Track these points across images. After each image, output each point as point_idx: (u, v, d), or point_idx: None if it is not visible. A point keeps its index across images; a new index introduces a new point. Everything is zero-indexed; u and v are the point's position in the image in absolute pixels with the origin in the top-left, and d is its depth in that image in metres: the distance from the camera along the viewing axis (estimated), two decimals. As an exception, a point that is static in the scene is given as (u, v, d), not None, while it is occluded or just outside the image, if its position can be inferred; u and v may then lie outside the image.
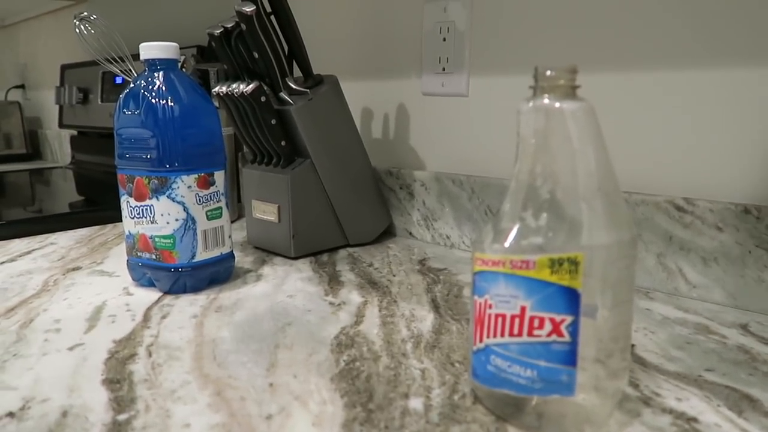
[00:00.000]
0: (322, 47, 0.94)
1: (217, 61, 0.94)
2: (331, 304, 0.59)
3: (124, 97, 0.60)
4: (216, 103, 0.98)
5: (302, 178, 0.74)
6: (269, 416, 0.38)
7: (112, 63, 1.00)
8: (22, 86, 2.09)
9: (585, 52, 0.66)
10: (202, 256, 0.61)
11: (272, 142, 0.74)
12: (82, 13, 0.95)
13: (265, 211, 0.77)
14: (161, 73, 0.60)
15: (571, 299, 0.34)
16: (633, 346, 0.49)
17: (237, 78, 0.76)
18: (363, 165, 0.81)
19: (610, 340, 0.36)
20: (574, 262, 0.33)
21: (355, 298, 0.60)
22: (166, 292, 0.61)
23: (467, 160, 0.80)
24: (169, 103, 0.58)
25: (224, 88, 0.74)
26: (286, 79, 0.74)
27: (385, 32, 0.87)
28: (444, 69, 0.80)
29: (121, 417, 0.38)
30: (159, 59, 0.60)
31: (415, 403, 0.39)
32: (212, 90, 0.92)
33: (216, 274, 0.64)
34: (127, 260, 0.64)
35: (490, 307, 0.36)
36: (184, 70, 0.99)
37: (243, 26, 0.69)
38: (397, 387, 0.42)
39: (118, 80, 1.33)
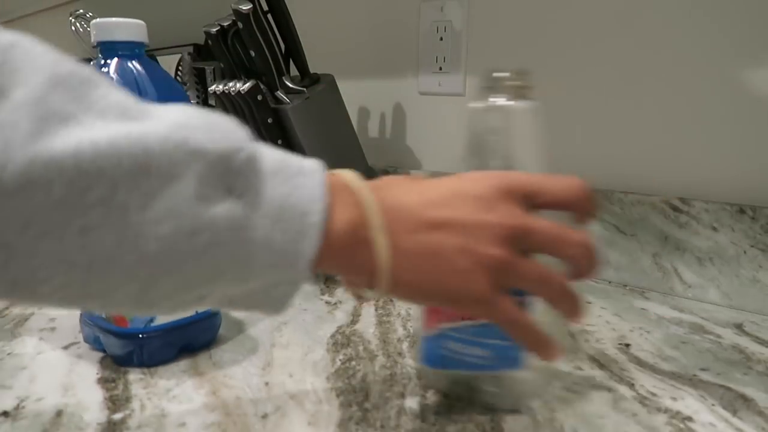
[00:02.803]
0: (319, 46, 0.94)
1: (214, 59, 0.94)
2: (327, 303, 0.59)
3: None
4: (212, 102, 0.97)
5: (299, 177, 0.74)
6: (265, 415, 0.38)
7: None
8: (18, 84, 2.08)
9: (581, 51, 0.66)
10: (164, 318, 0.45)
11: (269, 141, 0.74)
12: (78, 10, 0.94)
13: (261, 210, 0.77)
14: (121, 60, 0.44)
15: None
16: (628, 345, 0.49)
17: (234, 77, 0.76)
18: (360, 164, 0.81)
19: (551, 316, 0.38)
20: None
21: (351, 297, 0.60)
22: (120, 365, 0.45)
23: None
24: None
25: (221, 87, 0.74)
26: (283, 77, 0.74)
27: (382, 31, 0.87)
28: (441, 68, 0.80)
29: (116, 416, 0.38)
30: (119, 42, 0.44)
31: (411, 403, 0.39)
32: (209, 88, 0.92)
33: (192, 338, 0.47)
34: (81, 314, 0.49)
35: None
36: (180, 69, 0.98)
37: (240, 25, 0.69)
38: (393, 386, 0.42)
39: (114, 78, 1.32)
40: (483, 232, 0.30)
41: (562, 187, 0.33)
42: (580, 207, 0.33)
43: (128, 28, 0.45)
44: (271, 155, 0.28)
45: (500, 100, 0.38)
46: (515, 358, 0.37)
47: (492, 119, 0.38)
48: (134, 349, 0.44)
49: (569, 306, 0.33)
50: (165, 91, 0.45)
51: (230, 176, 0.25)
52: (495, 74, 0.38)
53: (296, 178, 0.28)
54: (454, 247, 0.30)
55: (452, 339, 0.38)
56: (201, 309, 0.27)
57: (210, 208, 0.24)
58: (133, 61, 0.44)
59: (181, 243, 0.24)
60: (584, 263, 0.32)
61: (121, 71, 0.43)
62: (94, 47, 0.45)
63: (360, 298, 0.33)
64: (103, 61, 0.44)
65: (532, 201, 0.32)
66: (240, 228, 0.25)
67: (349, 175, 0.31)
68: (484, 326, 0.37)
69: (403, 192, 0.32)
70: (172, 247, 0.23)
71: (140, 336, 0.44)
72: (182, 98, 0.47)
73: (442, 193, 0.32)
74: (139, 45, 0.45)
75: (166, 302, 0.25)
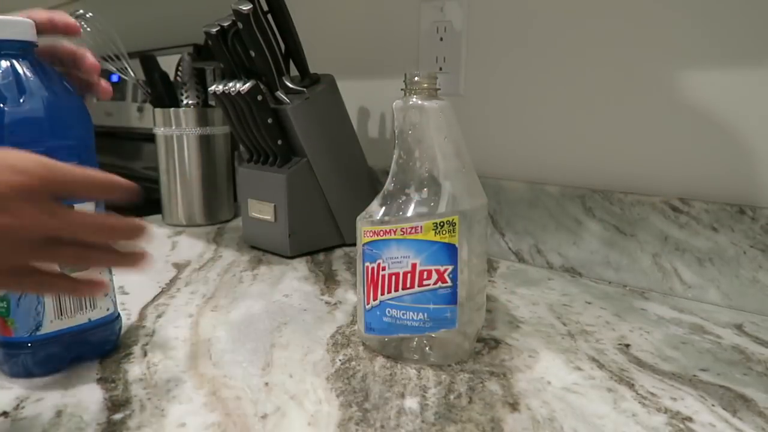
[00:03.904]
0: (319, 46, 0.94)
1: (214, 59, 0.93)
2: (327, 303, 0.59)
3: None
4: (212, 102, 0.97)
5: (299, 177, 0.74)
6: (265, 416, 0.38)
7: (108, 61, 0.99)
8: (18, 84, 2.07)
9: (581, 51, 0.66)
10: (52, 326, 0.43)
11: (269, 141, 0.74)
12: (78, 10, 0.94)
13: (261, 210, 0.77)
14: (5, 60, 0.40)
15: (451, 253, 0.43)
16: (628, 345, 0.49)
17: (234, 77, 0.76)
18: (359, 164, 0.81)
19: (475, 281, 0.45)
20: (451, 224, 0.42)
21: (351, 297, 0.60)
22: (12, 376, 0.44)
23: (464, 159, 0.80)
24: (6, 107, 0.39)
25: (221, 87, 0.74)
26: (283, 78, 0.74)
27: (381, 31, 0.87)
28: (441, 69, 0.80)
29: (116, 416, 0.38)
30: (2, 41, 0.41)
31: (411, 403, 0.39)
32: (209, 88, 0.92)
33: (83, 349, 0.45)
34: None
35: (384, 269, 0.44)
36: (180, 69, 0.98)
37: (240, 25, 0.69)
38: (393, 386, 0.42)
39: (114, 78, 1.32)
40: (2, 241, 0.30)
41: (88, 181, 0.32)
42: (104, 197, 0.37)
43: (13, 26, 0.41)
44: None
45: (416, 100, 0.45)
46: (448, 319, 0.44)
47: (410, 115, 0.45)
48: (20, 359, 0.43)
49: (112, 263, 0.37)
50: (56, 93, 0.41)
51: None
52: (411, 77, 0.45)
53: None
54: None
55: (393, 307, 0.44)
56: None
57: None
58: (20, 61, 0.41)
59: None
60: (104, 238, 0.34)
61: (6, 71, 0.40)
62: None
63: None
64: None
65: (57, 195, 0.31)
66: None
67: None
68: (421, 293, 0.43)
69: None
70: None
71: (28, 345, 0.43)
72: (76, 101, 0.44)
73: None
74: (26, 44, 0.41)
75: None
